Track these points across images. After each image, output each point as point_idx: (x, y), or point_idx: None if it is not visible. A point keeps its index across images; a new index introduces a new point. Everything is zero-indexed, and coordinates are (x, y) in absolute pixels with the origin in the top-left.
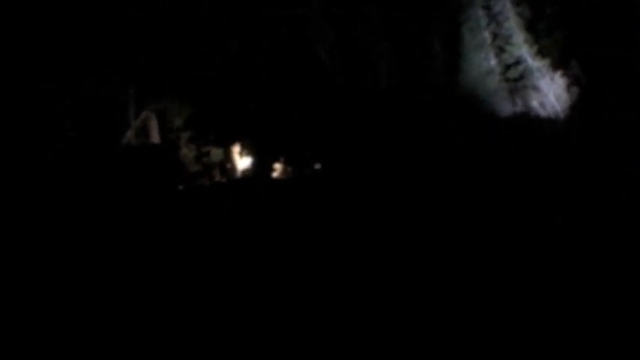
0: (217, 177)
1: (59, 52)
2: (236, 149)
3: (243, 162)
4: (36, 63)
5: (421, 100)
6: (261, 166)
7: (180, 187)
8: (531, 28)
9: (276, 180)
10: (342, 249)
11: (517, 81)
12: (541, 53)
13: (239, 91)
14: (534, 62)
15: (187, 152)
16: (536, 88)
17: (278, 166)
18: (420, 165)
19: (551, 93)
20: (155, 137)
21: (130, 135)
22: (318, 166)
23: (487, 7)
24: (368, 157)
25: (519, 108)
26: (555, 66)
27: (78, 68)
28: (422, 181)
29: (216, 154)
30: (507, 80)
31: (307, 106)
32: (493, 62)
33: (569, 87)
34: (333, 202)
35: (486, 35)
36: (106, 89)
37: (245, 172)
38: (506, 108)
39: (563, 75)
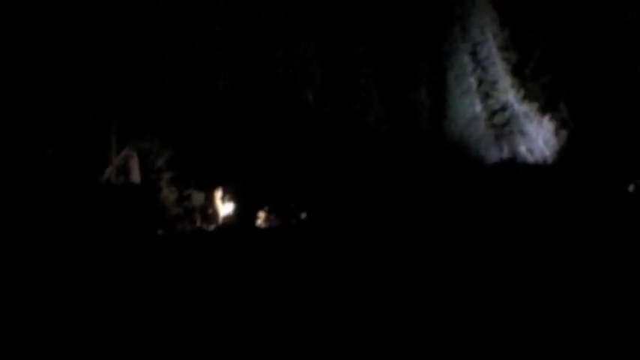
0: (198, 222)
1: (47, 78)
2: (218, 194)
3: (225, 208)
4: (25, 85)
5: (408, 146)
6: (244, 214)
7: (160, 232)
8: (517, 72)
9: (261, 229)
10: (331, 305)
11: (503, 127)
12: (528, 97)
13: (224, 134)
14: (521, 107)
15: (168, 194)
16: (523, 134)
17: (262, 214)
18: (408, 212)
19: (539, 138)
20: (136, 177)
21: (109, 172)
22: (303, 215)
23: (473, 53)
24: (355, 205)
25: (506, 154)
26: (543, 110)
27: (63, 95)
28: (411, 226)
29: (197, 198)
30: (494, 126)
31: (293, 152)
32: (478, 108)
33: (557, 130)
34: (321, 254)
35: (472, 81)
36: (88, 122)
37: (227, 218)
38: (493, 154)
39: (551, 119)
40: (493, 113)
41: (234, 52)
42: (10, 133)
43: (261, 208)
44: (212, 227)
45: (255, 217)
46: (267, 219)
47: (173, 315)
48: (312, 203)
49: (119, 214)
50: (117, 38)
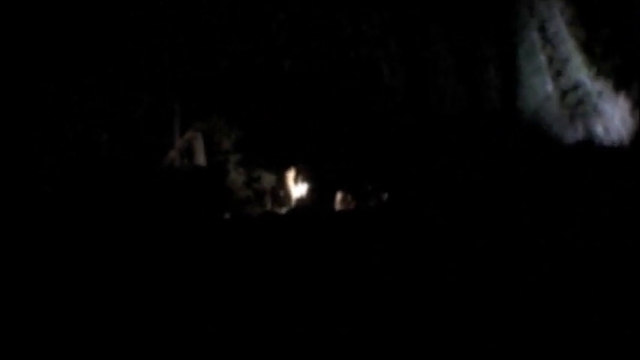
0: (269, 205)
1: (100, 59)
2: (290, 175)
3: (298, 189)
4: (72, 68)
5: (478, 127)
6: (320, 196)
7: (228, 216)
8: (587, 50)
9: (340, 212)
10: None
11: (577, 106)
12: (601, 75)
13: (294, 111)
14: (594, 86)
15: (236, 177)
16: (599, 113)
17: (339, 196)
18: (486, 195)
19: (615, 117)
20: (201, 159)
21: (173, 155)
22: (385, 196)
23: (542, 29)
24: (433, 188)
25: (581, 134)
26: (617, 88)
27: (120, 77)
28: (489, 211)
29: (267, 179)
30: (567, 106)
31: (369, 129)
32: (550, 87)
33: (632, 110)
34: (405, 238)
35: (542, 59)
36: (150, 103)
37: (300, 201)
38: (568, 134)
39: (626, 97)
40: (565, 92)
41: (299, 28)
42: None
43: (339, 189)
44: (284, 210)
45: (333, 199)
46: (344, 201)
47: (247, 306)
48: (392, 184)
49: (184, 199)
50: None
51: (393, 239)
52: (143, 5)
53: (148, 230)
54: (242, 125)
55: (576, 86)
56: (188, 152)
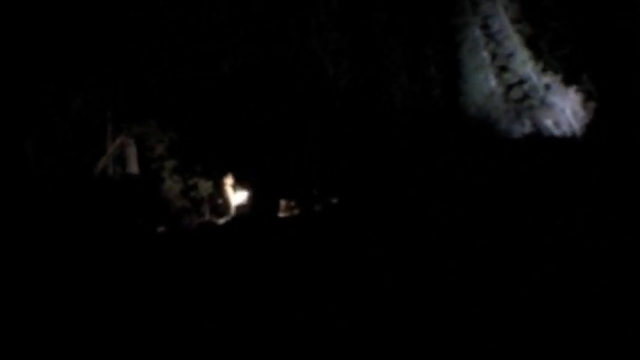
0: (207, 214)
1: (25, 59)
2: (228, 182)
3: (237, 196)
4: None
5: (424, 124)
6: (261, 202)
7: (162, 229)
8: (533, 45)
9: (285, 219)
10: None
11: (522, 101)
12: (548, 69)
13: (231, 113)
14: (541, 80)
15: (172, 185)
16: (548, 106)
17: (282, 203)
18: (432, 192)
19: (566, 110)
20: (133, 167)
21: (102, 163)
22: (334, 200)
23: (485, 27)
24: (379, 188)
25: (528, 128)
26: (567, 82)
27: (48, 78)
28: (436, 208)
29: (205, 187)
30: (512, 101)
31: (312, 130)
32: (493, 83)
33: (584, 103)
34: (360, 243)
35: (485, 55)
36: (80, 106)
37: (241, 208)
38: (515, 130)
39: (577, 90)
40: (510, 87)
41: (238, 22)
42: None
43: (282, 196)
44: (224, 220)
45: (277, 206)
46: (287, 207)
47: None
48: (338, 187)
49: (115, 210)
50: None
51: (344, 244)
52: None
53: (74, 243)
54: (176, 129)
55: (522, 81)
56: (120, 160)
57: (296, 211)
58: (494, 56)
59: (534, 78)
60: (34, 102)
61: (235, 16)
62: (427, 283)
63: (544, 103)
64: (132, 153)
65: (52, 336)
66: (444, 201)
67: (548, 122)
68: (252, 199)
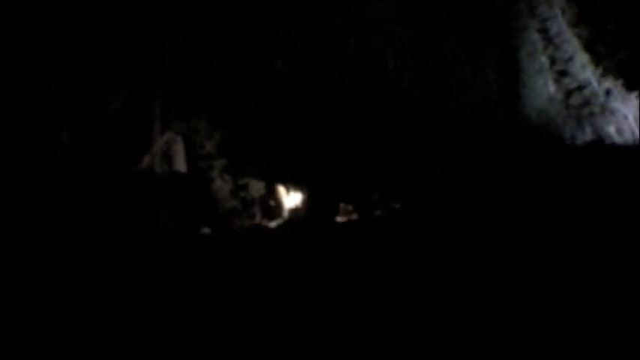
0: (258, 217)
1: (76, 55)
2: (282, 183)
3: (291, 199)
4: (51, 68)
5: (483, 129)
6: (317, 206)
7: (208, 230)
8: (591, 49)
9: (344, 224)
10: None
11: (583, 107)
12: (609, 74)
13: (285, 111)
14: (601, 85)
15: (221, 185)
16: (610, 112)
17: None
18: (495, 198)
19: (630, 116)
20: (181, 165)
21: (148, 160)
22: (396, 205)
23: (543, 30)
24: (441, 195)
25: (589, 135)
26: (629, 87)
27: (95, 74)
28: (499, 215)
29: (256, 187)
30: (572, 107)
31: (370, 131)
32: (553, 88)
33: None
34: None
35: (544, 60)
36: (125, 100)
37: (294, 211)
38: (576, 135)
39: (639, 96)
40: (569, 93)
41: (293, 22)
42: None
43: (340, 199)
44: (275, 223)
45: (335, 210)
46: (345, 211)
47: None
48: (400, 192)
49: (163, 210)
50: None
51: (408, 256)
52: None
53: (118, 246)
54: (226, 126)
55: (581, 86)
56: (166, 157)
57: (354, 216)
58: (552, 60)
59: (594, 83)
60: (73, 95)
61: (289, 13)
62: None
63: (605, 109)
64: (179, 150)
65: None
66: (507, 206)
67: (611, 129)
68: (308, 202)
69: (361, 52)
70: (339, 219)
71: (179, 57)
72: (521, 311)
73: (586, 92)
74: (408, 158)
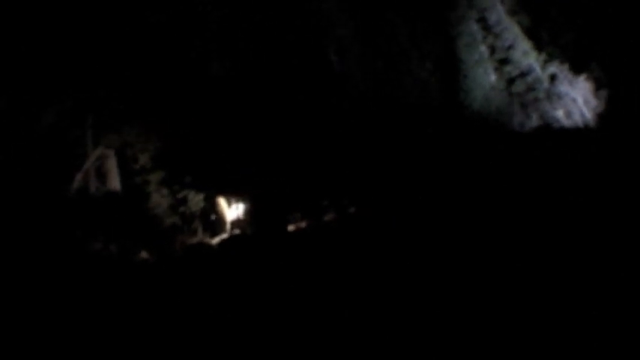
0: (200, 232)
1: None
2: (222, 194)
3: (232, 211)
4: None
5: (425, 122)
6: (262, 216)
7: (144, 255)
8: (533, 35)
9: (292, 233)
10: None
11: (526, 93)
12: (554, 59)
13: (223, 116)
14: (546, 70)
15: (160, 199)
16: (557, 97)
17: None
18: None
19: (579, 99)
20: (114, 181)
21: (80, 178)
22: (351, 209)
23: (481, 20)
24: (388, 194)
25: (536, 121)
26: (576, 70)
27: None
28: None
29: (195, 200)
30: (515, 94)
31: (316, 130)
32: (494, 77)
33: (595, 91)
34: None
35: (484, 49)
36: (55, 114)
37: (237, 223)
38: (521, 123)
39: (587, 79)
40: (511, 80)
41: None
42: None
43: (286, 207)
44: (219, 238)
45: (284, 219)
46: (294, 220)
47: None
48: (351, 194)
49: (97, 231)
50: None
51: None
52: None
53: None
54: (161, 136)
55: (524, 73)
56: (99, 173)
57: (303, 224)
58: (493, 50)
59: (537, 69)
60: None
61: (227, 14)
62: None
63: (552, 94)
64: (112, 166)
65: None
66: (456, 200)
67: (559, 113)
68: (252, 213)
69: (303, 50)
70: (290, 227)
71: (109, 62)
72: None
73: (529, 79)
74: (354, 158)
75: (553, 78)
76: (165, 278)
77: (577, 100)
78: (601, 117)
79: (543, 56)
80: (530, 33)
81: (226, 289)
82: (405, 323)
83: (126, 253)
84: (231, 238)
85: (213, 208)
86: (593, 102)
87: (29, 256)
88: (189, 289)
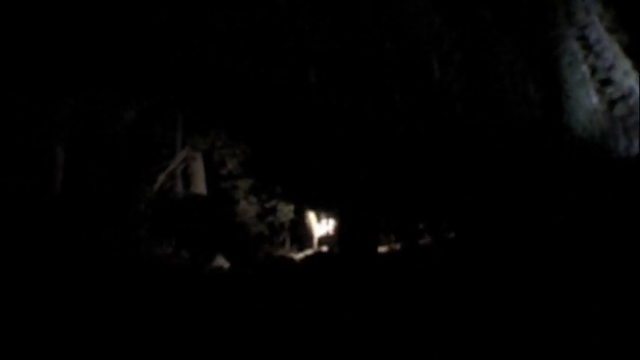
0: (288, 245)
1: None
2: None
3: (321, 226)
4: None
5: (528, 143)
6: (353, 234)
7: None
8: (631, 55)
9: (384, 256)
10: None
11: (628, 117)
12: None
13: (318, 125)
14: None
15: (247, 207)
16: None
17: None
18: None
19: None
20: (201, 186)
21: (163, 179)
22: (451, 234)
23: (582, 38)
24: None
25: (637, 149)
26: None
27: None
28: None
29: (285, 211)
30: (616, 118)
31: (416, 150)
32: (595, 99)
33: None
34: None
35: (585, 69)
36: (139, 112)
37: (325, 239)
38: (622, 148)
39: None
40: (612, 103)
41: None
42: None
43: (379, 227)
44: (303, 254)
45: (376, 240)
46: (387, 242)
47: None
48: (450, 219)
49: (168, 235)
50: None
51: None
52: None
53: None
54: (249, 141)
55: (624, 96)
56: (185, 176)
57: (397, 246)
58: (594, 70)
59: (639, 91)
60: (68, 108)
61: (318, 15)
62: None
63: None
64: (199, 169)
65: None
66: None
67: None
68: (341, 230)
69: (400, 57)
70: (381, 249)
71: (195, 61)
72: None
73: (631, 101)
74: (455, 179)
75: None
76: (232, 290)
77: None
78: None
79: None
80: (630, 52)
81: (300, 311)
82: None
83: (198, 260)
84: (317, 254)
85: (302, 220)
86: None
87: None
88: (254, 305)
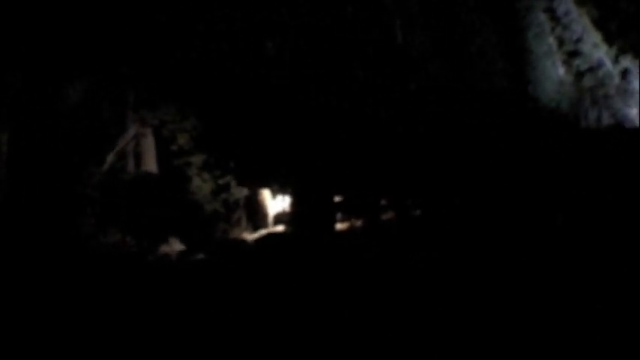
0: (243, 222)
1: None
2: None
3: (276, 203)
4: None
5: (490, 116)
6: (310, 210)
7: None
8: (601, 29)
9: (342, 233)
10: None
11: (597, 89)
12: (627, 53)
13: (272, 97)
14: (617, 65)
15: (201, 183)
16: (629, 94)
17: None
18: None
19: None
20: (152, 163)
21: (111, 159)
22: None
23: (550, 10)
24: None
25: (607, 119)
26: None
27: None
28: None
29: (239, 188)
30: (584, 89)
31: (375, 120)
32: (561, 71)
33: None
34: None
35: (552, 41)
36: (83, 91)
37: (281, 217)
38: (591, 120)
39: None
40: (580, 74)
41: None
42: None
43: (337, 204)
44: (257, 234)
45: (333, 217)
46: (345, 219)
47: None
48: (414, 192)
49: (127, 220)
50: None
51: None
52: None
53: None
54: (203, 115)
55: (593, 68)
56: (134, 154)
57: (358, 223)
58: (561, 41)
59: (608, 63)
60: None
61: None
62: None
63: (624, 91)
64: (149, 146)
65: None
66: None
67: (631, 112)
68: (297, 207)
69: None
70: (339, 226)
71: (140, 31)
72: None
73: (600, 73)
74: (418, 151)
75: (625, 73)
76: (175, 283)
77: None
78: None
79: (614, 50)
80: (600, 25)
81: (252, 298)
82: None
83: (144, 247)
84: (270, 235)
85: (255, 198)
86: None
87: (34, 251)
88: (198, 295)
